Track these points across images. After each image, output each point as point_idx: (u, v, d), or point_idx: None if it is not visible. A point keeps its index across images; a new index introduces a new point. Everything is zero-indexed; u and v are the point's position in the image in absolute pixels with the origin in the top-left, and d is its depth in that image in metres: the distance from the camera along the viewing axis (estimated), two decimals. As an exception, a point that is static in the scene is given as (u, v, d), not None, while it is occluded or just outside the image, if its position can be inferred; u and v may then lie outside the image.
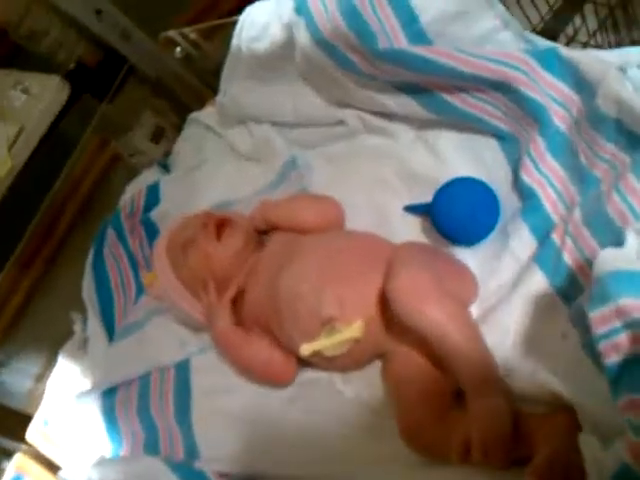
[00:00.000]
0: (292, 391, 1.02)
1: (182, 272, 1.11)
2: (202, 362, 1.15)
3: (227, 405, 1.07)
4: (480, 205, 0.94)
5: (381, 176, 1.13)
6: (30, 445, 1.30)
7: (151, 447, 1.11)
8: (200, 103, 1.60)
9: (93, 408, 1.25)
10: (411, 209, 1.06)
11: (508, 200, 0.97)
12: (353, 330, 0.87)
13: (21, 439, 1.30)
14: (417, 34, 1.01)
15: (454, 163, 1.05)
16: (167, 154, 1.62)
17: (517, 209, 0.94)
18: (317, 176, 1.23)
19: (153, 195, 1.47)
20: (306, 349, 0.90)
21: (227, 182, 1.38)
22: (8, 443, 1.35)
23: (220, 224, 1.09)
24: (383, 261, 0.89)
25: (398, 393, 0.87)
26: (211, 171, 1.43)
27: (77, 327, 1.42)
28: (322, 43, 1.09)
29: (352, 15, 1.03)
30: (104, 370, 1.29)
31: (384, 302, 0.85)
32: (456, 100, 1.02)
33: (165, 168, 1.58)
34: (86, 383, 1.32)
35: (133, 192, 1.50)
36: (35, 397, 1.46)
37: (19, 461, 1.27)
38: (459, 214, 0.94)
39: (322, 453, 0.93)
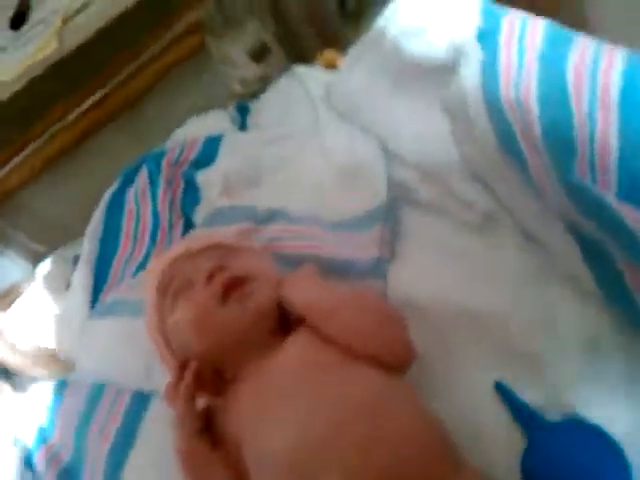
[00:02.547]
0: None
1: (168, 325, 0.79)
2: (161, 411, 0.90)
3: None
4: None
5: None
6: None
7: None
8: (318, 49, 1.22)
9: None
10: (504, 392, 0.73)
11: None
12: None
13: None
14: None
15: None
16: (254, 95, 1.27)
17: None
18: (408, 249, 0.90)
19: (210, 150, 1.16)
20: None
21: (301, 188, 1.04)
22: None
23: (231, 283, 0.76)
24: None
25: None
26: (286, 160, 1.09)
27: (65, 262, 1.19)
28: (493, 108, 0.72)
29: (554, 103, 0.65)
30: (68, 343, 1.06)
31: None
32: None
33: (241, 113, 1.24)
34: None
35: (187, 135, 1.18)
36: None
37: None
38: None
39: None
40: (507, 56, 0.70)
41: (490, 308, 0.78)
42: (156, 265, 0.84)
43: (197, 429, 0.74)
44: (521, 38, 0.73)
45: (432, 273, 0.85)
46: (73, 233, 1.30)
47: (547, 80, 0.69)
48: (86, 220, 1.20)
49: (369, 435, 0.61)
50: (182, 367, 0.76)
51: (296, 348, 0.73)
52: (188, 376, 0.75)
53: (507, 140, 0.74)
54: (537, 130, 0.69)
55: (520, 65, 0.70)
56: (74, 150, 1.36)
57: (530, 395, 0.70)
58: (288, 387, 0.69)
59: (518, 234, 0.80)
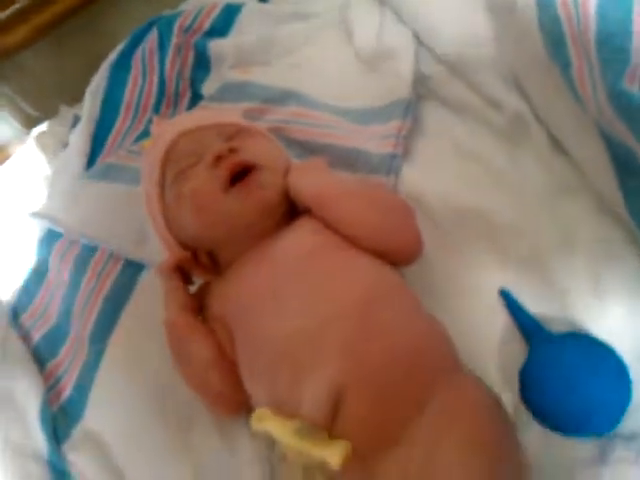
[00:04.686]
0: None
1: (167, 200, 0.75)
2: (152, 282, 0.86)
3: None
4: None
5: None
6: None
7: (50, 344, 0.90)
8: None
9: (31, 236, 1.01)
10: (508, 300, 0.72)
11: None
12: (328, 451, 0.54)
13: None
14: None
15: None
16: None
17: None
18: (424, 148, 0.86)
19: (226, 20, 1.08)
20: (257, 423, 0.59)
21: (317, 66, 0.98)
22: None
23: (239, 169, 0.70)
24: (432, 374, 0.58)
25: None
26: (307, 37, 1.02)
27: (64, 123, 1.13)
28: (545, 5, 0.67)
29: (614, 11, 0.62)
30: (62, 201, 1.02)
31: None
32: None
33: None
34: (43, 194, 1.06)
35: (205, 2, 1.10)
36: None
37: None
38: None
39: None
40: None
41: (502, 214, 0.76)
42: (164, 134, 0.78)
43: (187, 305, 0.73)
44: None
45: (446, 174, 0.82)
46: (73, 101, 1.23)
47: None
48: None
49: (367, 327, 0.59)
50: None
51: (300, 235, 0.70)
52: (183, 255, 0.74)
53: (554, 40, 0.69)
54: (591, 35, 0.65)
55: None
56: (82, 9, 1.26)
57: (535, 305, 0.68)
58: (289, 273, 0.66)
59: (544, 143, 0.77)
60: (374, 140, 0.86)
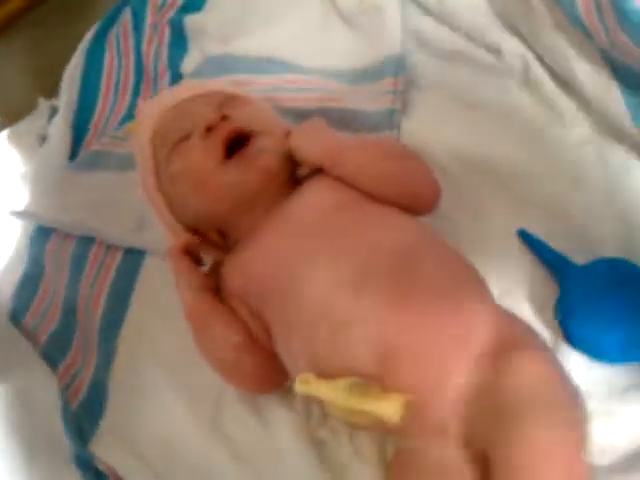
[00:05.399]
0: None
1: (164, 182, 0.72)
2: (157, 265, 0.84)
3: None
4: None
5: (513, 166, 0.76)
6: None
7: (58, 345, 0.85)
8: None
9: (21, 236, 0.97)
10: (529, 240, 0.71)
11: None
12: (385, 405, 0.52)
13: None
14: None
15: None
16: None
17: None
18: (420, 98, 0.84)
19: (200, -7, 1.05)
20: (302, 386, 0.55)
21: (300, 32, 0.96)
22: None
23: (236, 137, 0.66)
24: (470, 294, 0.57)
25: None
26: (287, 4, 0.99)
27: (41, 117, 1.08)
28: None
29: None
30: (48, 196, 0.97)
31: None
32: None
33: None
34: (24, 191, 1.01)
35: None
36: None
37: None
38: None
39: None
40: None
41: (510, 158, 0.75)
42: (148, 112, 0.75)
43: (203, 286, 0.69)
44: None
45: (449, 124, 0.81)
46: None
47: None
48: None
49: (410, 275, 0.57)
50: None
51: (319, 194, 0.66)
52: (191, 238, 0.71)
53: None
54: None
55: None
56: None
57: (555, 241, 0.68)
58: (319, 231, 0.63)
59: (547, 82, 0.76)
60: (369, 99, 0.84)
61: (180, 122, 0.70)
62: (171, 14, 1.05)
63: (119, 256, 0.89)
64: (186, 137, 0.68)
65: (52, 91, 1.11)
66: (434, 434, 0.53)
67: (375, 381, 0.53)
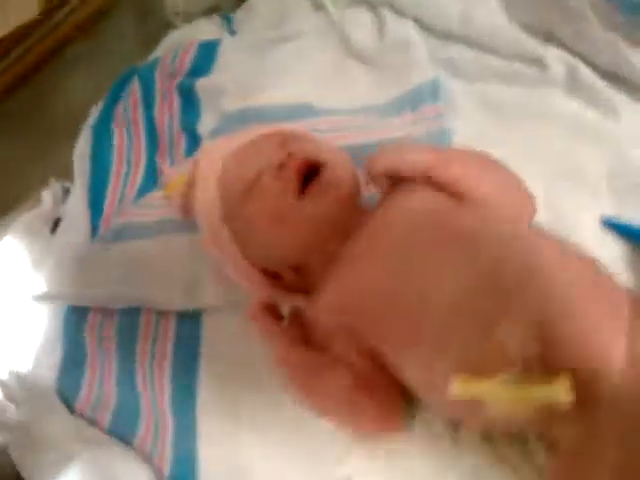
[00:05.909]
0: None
1: (235, 223, 0.69)
2: (218, 322, 0.80)
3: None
4: None
5: (574, 162, 0.77)
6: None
7: (125, 422, 0.77)
8: None
9: (52, 322, 0.89)
10: (615, 227, 0.72)
11: None
12: (552, 387, 0.48)
13: None
14: None
15: None
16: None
17: None
18: (463, 122, 0.85)
19: (205, 57, 1.04)
20: (461, 388, 0.51)
21: (319, 78, 0.96)
22: None
23: (308, 168, 0.66)
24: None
25: None
26: (300, 54, 1.00)
27: (47, 197, 1.02)
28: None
29: None
30: (76, 274, 0.90)
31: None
32: None
33: (228, 22, 1.14)
34: (45, 276, 0.94)
35: (179, 43, 1.07)
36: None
37: None
38: None
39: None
40: None
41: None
42: (206, 166, 0.73)
43: (294, 339, 0.65)
44: None
45: (495, 147, 0.82)
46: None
47: None
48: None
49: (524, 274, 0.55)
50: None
51: (413, 203, 0.64)
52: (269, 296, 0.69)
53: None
54: None
55: None
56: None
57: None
58: (425, 241, 0.60)
59: (596, 80, 0.80)
60: (411, 125, 0.85)
61: (245, 168, 0.68)
62: (179, 80, 1.03)
63: (173, 321, 0.83)
64: (256, 180, 0.66)
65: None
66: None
67: (538, 364, 0.50)
